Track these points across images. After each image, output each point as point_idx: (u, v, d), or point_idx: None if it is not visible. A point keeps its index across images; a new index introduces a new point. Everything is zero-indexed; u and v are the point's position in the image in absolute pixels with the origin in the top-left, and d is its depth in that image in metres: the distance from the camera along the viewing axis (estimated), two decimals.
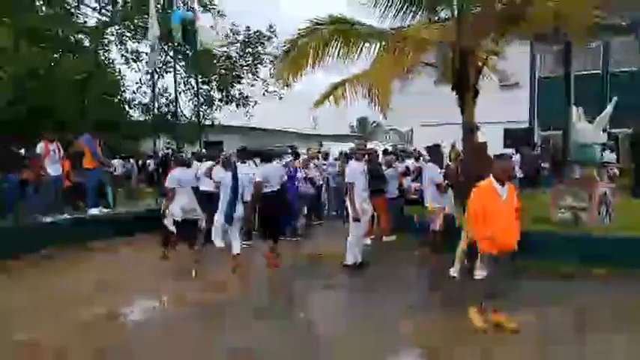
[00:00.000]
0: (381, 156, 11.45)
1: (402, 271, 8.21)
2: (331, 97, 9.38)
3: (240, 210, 7.97)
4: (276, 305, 6.57)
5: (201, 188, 9.03)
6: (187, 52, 17.94)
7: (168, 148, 18.06)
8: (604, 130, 9.47)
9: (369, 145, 13.36)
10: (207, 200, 8.70)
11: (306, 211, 11.88)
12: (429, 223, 8.41)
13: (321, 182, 12.61)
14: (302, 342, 5.37)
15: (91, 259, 9.26)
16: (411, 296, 6.90)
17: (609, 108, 9.40)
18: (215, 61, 19.08)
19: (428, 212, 8.40)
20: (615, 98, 9.41)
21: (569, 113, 9.48)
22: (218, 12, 19.14)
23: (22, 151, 10.16)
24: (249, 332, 5.59)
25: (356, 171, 8.15)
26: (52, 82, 12.07)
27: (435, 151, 8.63)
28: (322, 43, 8.58)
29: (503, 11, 8.04)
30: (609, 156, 13.33)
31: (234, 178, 7.92)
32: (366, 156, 9.01)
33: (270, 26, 19.65)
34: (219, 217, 8.02)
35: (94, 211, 11.14)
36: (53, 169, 10.31)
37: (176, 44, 15.57)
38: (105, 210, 11.51)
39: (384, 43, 8.48)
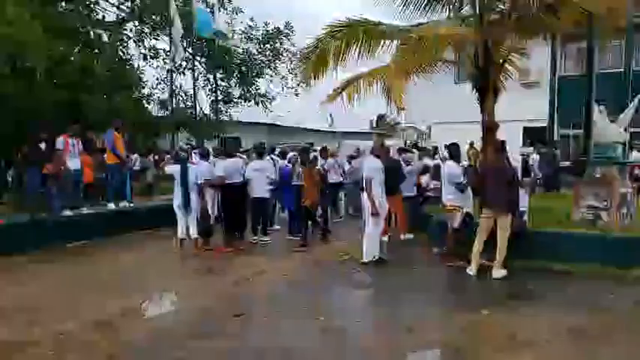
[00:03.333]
0: (393, 152, 11.32)
1: (420, 270, 8.17)
2: (344, 93, 9.39)
3: (193, 199, 9.16)
4: (297, 304, 6.53)
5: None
6: (206, 48, 18.08)
7: (187, 144, 18.15)
8: (625, 129, 9.32)
9: (389, 143, 13.30)
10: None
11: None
12: (447, 221, 8.34)
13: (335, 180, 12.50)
14: (323, 340, 5.32)
15: (112, 253, 9.35)
16: (428, 295, 6.86)
17: (632, 107, 9.24)
18: (235, 58, 19.18)
19: (446, 211, 8.32)
20: (639, 96, 9.26)
21: (591, 112, 9.34)
22: (234, 10, 19.22)
23: (43, 145, 10.25)
24: (271, 330, 5.59)
25: (373, 167, 8.15)
26: (80, 78, 12.19)
27: (454, 150, 8.55)
28: (343, 44, 8.62)
29: (529, 10, 7.95)
30: (636, 155, 13.05)
31: (184, 171, 9.07)
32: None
33: (287, 23, 19.70)
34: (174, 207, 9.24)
35: (113, 205, 11.27)
36: (72, 164, 10.43)
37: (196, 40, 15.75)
38: (124, 204, 11.65)
39: (403, 40, 8.44)
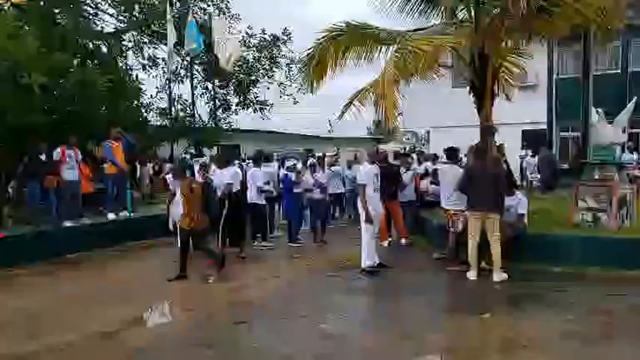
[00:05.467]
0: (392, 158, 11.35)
1: (420, 275, 8.15)
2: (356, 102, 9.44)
3: None
4: (297, 310, 6.52)
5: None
6: (204, 57, 18.08)
7: (186, 153, 18.14)
8: (623, 131, 9.33)
9: (386, 148, 13.33)
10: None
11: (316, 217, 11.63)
12: (447, 225, 8.30)
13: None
14: (324, 346, 5.29)
15: (112, 263, 9.37)
16: (429, 299, 6.83)
17: (629, 108, 9.26)
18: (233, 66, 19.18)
19: (448, 216, 8.27)
20: (636, 98, 9.28)
21: (589, 114, 9.35)
22: (232, 16, 19.23)
23: (43, 157, 10.28)
24: (272, 336, 5.58)
25: (368, 173, 8.12)
26: (80, 90, 12.20)
27: (451, 153, 8.55)
28: (341, 49, 8.66)
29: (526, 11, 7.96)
30: (629, 157, 13.10)
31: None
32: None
33: (285, 29, 19.72)
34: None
35: (113, 216, 11.27)
36: (69, 175, 10.45)
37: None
38: (124, 214, 11.65)
39: (399, 45, 8.43)
